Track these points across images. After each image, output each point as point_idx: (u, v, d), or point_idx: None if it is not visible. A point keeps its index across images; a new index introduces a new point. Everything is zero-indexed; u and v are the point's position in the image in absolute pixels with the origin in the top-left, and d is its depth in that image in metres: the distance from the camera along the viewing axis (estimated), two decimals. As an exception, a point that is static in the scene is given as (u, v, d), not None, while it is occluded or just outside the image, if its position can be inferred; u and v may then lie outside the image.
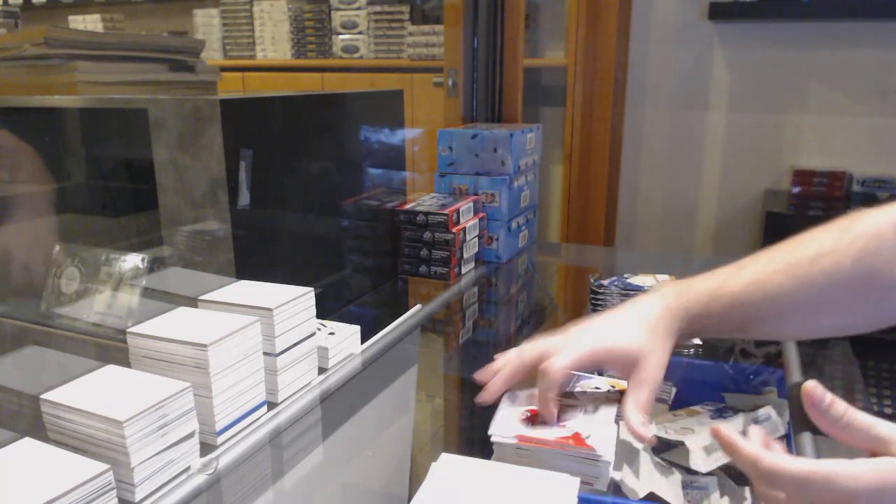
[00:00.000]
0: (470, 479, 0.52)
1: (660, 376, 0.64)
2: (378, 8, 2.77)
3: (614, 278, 1.05)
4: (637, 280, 1.05)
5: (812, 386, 0.49)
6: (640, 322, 0.66)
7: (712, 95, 2.22)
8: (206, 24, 3.12)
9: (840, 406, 0.49)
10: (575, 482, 0.52)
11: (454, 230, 1.14)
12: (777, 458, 0.49)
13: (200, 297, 0.71)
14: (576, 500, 0.50)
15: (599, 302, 1.02)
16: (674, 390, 0.79)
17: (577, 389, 0.74)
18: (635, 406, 0.62)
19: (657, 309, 0.66)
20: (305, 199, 0.97)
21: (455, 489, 0.51)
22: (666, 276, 1.06)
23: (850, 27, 2.02)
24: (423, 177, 1.45)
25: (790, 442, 0.69)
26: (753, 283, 0.64)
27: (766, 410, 0.71)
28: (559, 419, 0.63)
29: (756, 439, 0.51)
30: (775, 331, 0.68)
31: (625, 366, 0.65)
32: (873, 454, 0.48)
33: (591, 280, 1.05)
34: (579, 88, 2.15)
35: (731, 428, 0.69)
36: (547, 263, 1.47)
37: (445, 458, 0.55)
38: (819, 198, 2.07)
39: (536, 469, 0.54)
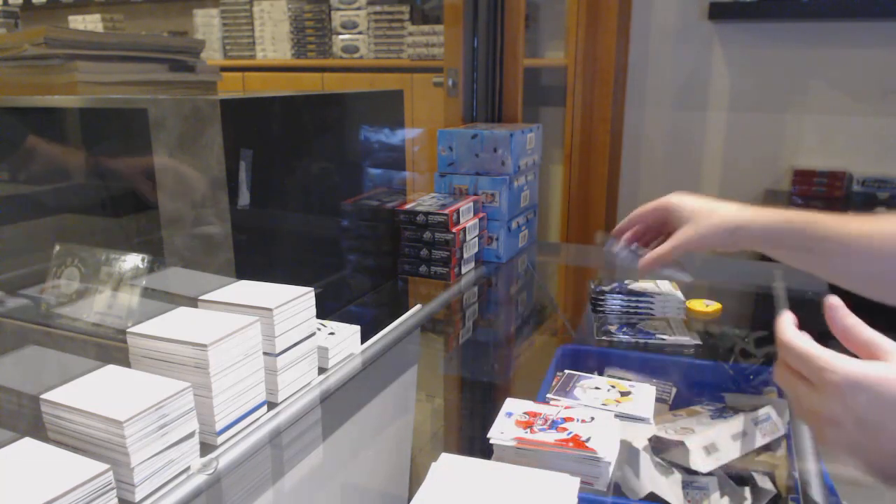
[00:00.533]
0: (470, 480, 0.52)
1: (685, 245, 0.85)
2: (378, 8, 2.77)
3: (615, 284, 1.05)
4: (637, 286, 1.04)
5: (834, 298, 0.54)
6: (713, 208, 0.84)
7: (712, 95, 2.22)
8: (206, 24, 3.12)
9: (853, 317, 0.54)
10: (575, 482, 0.52)
11: (454, 230, 1.14)
12: (800, 335, 0.53)
13: (200, 297, 0.71)
14: (576, 500, 0.50)
15: (600, 307, 1.02)
16: (674, 390, 0.79)
17: (577, 389, 0.74)
18: (655, 252, 0.89)
19: (731, 210, 0.83)
20: (305, 200, 0.97)
21: (455, 489, 0.51)
22: (667, 282, 1.06)
23: (850, 27, 2.02)
24: (423, 177, 1.44)
25: (790, 441, 0.70)
26: (821, 218, 0.76)
27: (766, 410, 0.72)
28: (558, 425, 0.64)
29: (807, 337, 0.54)
30: (831, 265, 0.78)
31: (675, 221, 0.87)
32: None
33: (592, 286, 1.05)
34: (579, 88, 2.15)
35: (730, 428, 0.69)
36: (547, 263, 1.47)
37: (445, 458, 0.55)
38: (819, 198, 2.07)
39: (536, 469, 0.54)
